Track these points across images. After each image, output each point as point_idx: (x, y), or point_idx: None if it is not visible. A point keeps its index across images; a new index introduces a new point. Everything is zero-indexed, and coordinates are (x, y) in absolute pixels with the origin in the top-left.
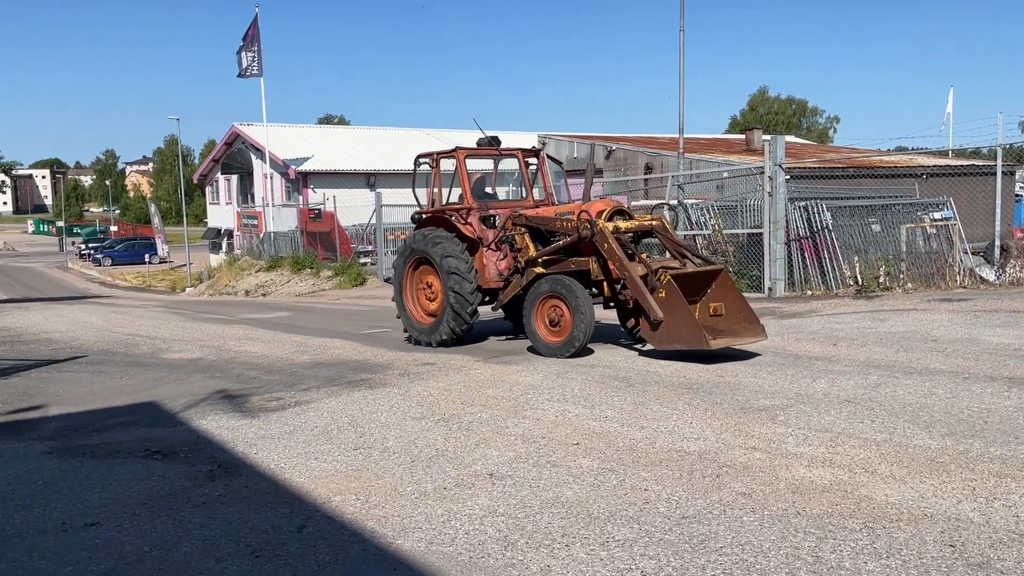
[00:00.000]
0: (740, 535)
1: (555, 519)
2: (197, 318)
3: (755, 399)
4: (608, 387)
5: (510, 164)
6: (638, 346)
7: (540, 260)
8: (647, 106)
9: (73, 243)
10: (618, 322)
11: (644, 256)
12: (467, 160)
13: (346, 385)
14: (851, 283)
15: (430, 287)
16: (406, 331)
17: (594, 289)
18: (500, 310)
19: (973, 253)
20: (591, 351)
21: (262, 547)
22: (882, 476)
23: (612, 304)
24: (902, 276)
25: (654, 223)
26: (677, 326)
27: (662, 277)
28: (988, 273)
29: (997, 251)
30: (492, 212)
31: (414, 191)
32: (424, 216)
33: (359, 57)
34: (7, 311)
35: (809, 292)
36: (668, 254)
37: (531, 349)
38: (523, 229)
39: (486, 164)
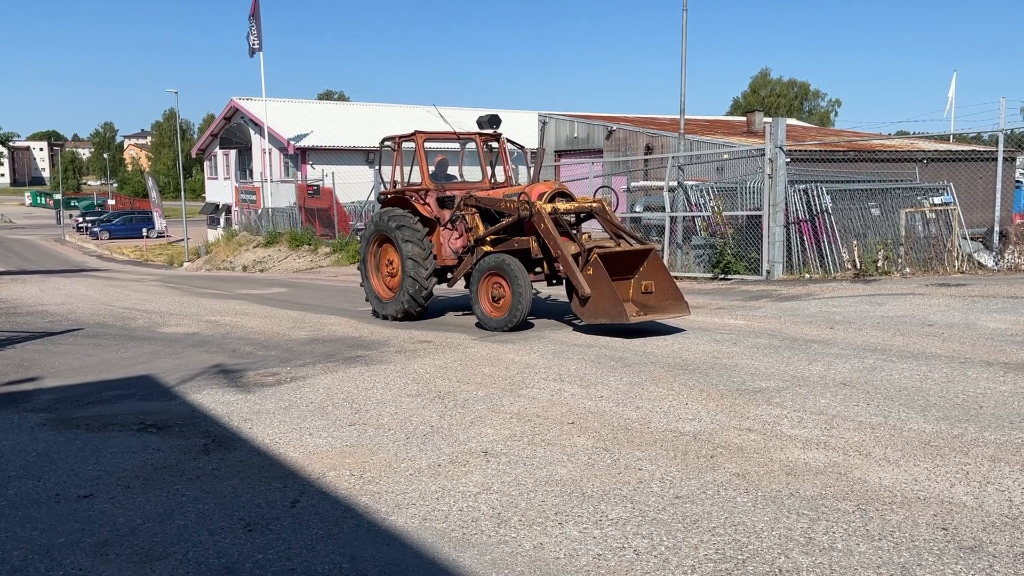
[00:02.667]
0: (733, 515)
1: (549, 497)
2: (194, 292)
3: (751, 381)
4: (604, 367)
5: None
6: (576, 321)
7: (488, 239)
8: (649, 86)
9: (70, 216)
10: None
11: (586, 236)
12: (429, 143)
13: (342, 361)
14: (849, 267)
15: (391, 264)
16: (371, 306)
17: (537, 268)
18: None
19: (972, 239)
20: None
21: (255, 521)
22: (876, 459)
23: (555, 281)
24: (900, 260)
25: (593, 205)
26: (602, 301)
27: (592, 256)
28: (986, 259)
29: (996, 237)
30: (449, 193)
31: (379, 171)
32: (388, 196)
33: (360, 34)
34: (3, 283)
35: (807, 275)
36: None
37: (478, 324)
38: (474, 210)
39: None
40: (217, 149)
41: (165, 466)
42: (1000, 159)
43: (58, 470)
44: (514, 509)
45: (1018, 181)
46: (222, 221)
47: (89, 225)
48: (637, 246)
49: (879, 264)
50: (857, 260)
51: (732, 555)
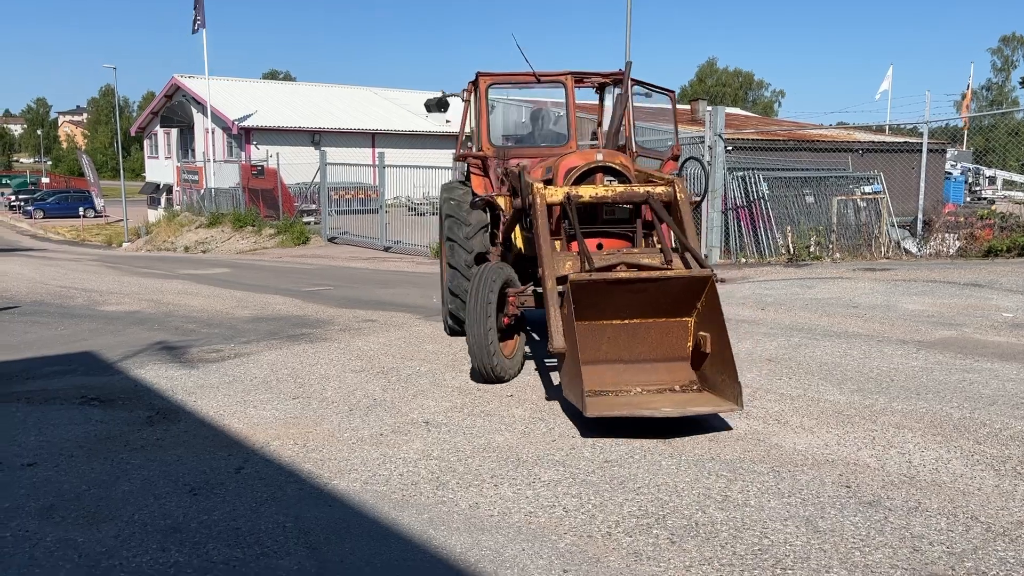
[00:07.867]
0: (657, 477)
1: (486, 462)
2: (135, 272)
3: None
4: (545, 342)
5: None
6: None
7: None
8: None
9: (2, 194)
10: None
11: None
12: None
13: (287, 339)
14: (783, 252)
15: None
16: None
17: None
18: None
19: (901, 226)
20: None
21: (200, 486)
22: (792, 427)
23: None
24: (831, 246)
25: (653, 191)
26: (567, 366)
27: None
28: (912, 245)
29: (920, 225)
30: (513, 162)
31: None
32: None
33: (308, 13)
34: None
35: (743, 259)
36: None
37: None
38: (507, 190)
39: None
40: (157, 128)
41: (109, 436)
42: (924, 150)
43: (0, 440)
44: (452, 473)
45: (948, 172)
46: (163, 201)
47: (22, 204)
48: (682, 272)
49: (811, 249)
50: (791, 245)
51: (653, 511)
